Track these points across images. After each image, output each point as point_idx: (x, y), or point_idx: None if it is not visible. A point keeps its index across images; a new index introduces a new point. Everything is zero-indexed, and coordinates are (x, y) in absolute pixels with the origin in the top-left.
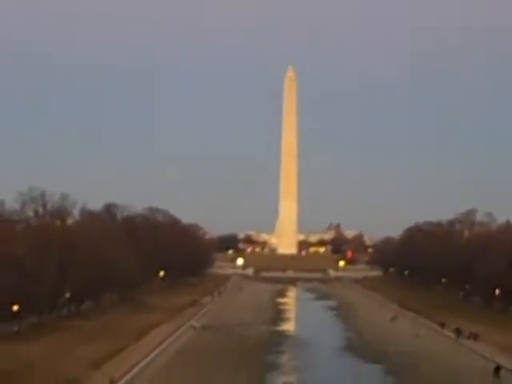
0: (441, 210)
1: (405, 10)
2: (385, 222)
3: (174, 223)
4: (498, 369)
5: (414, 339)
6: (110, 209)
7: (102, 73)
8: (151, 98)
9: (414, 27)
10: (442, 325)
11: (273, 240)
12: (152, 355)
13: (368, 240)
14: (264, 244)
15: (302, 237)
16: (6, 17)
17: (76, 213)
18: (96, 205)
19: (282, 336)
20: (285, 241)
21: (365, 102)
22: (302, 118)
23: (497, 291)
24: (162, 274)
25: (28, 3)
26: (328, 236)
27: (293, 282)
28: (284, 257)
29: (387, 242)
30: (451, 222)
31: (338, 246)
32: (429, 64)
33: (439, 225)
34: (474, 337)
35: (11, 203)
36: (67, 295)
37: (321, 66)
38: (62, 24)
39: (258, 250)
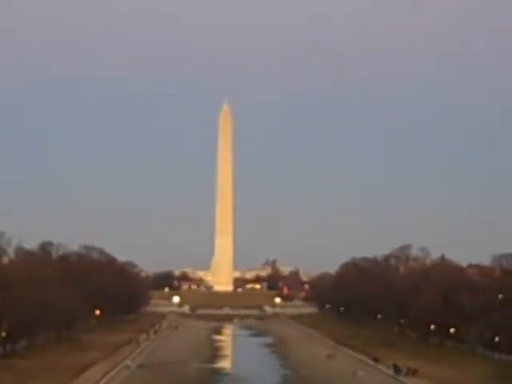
0: (376, 246)
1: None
2: (321, 258)
3: (110, 261)
4: None
5: (352, 376)
6: (45, 247)
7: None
8: (80, 134)
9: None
10: (376, 360)
11: (209, 277)
12: None
13: (304, 276)
14: (200, 281)
15: (238, 273)
16: None
17: (11, 251)
18: (31, 243)
19: (219, 374)
20: (221, 278)
21: (297, 138)
22: (238, 154)
23: (432, 326)
24: (97, 312)
25: None
26: (264, 272)
27: (229, 319)
28: (220, 294)
29: (323, 278)
30: (387, 258)
31: (275, 282)
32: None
33: (375, 260)
34: (413, 372)
35: None
36: (2, 334)
37: (256, 103)
38: None
39: (194, 287)
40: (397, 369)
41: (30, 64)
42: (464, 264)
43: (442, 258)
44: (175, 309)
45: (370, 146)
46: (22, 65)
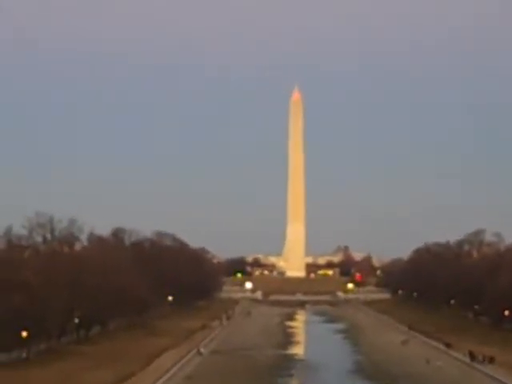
0: (449, 231)
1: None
2: (393, 244)
3: (182, 247)
4: None
5: (426, 362)
6: (117, 234)
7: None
8: (156, 120)
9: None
10: (449, 346)
11: (281, 263)
12: (161, 381)
13: (376, 262)
14: (272, 267)
15: (310, 259)
16: None
17: (84, 238)
18: (104, 229)
19: (292, 359)
20: (293, 264)
21: (369, 123)
22: (310, 140)
23: (506, 312)
24: (170, 298)
25: None
26: (336, 258)
27: (302, 304)
28: (292, 280)
29: (395, 263)
30: (460, 243)
31: (347, 268)
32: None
33: (447, 246)
34: (490, 360)
35: (19, 229)
36: (76, 320)
37: (327, 87)
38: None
39: (266, 273)
40: (472, 356)
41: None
42: None
43: None
44: (248, 295)
45: (434, 127)
46: None
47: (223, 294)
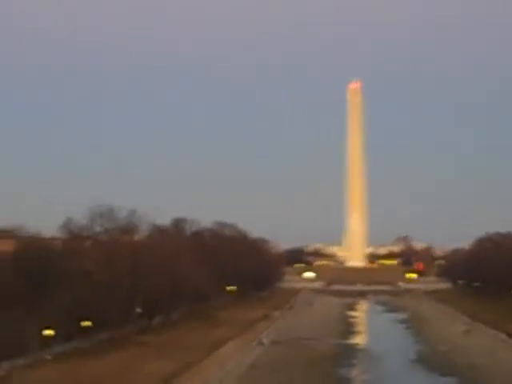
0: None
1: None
2: (454, 233)
3: (242, 237)
4: None
5: (488, 352)
6: (178, 224)
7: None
8: (214, 116)
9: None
10: (510, 335)
11: (341, 253)
12: (223, 370)
13: (437, 251)
14: (332, 257)
15: (370, 249)
16: None
17: (144, 228)
18: (164, 220)
19: (353, 349)
20: (353, 254)
21: (434, 110)
22: (368, 130)
23: None
24: (231, 288)
25: None
26: (397, 248)
27: (363, 294)
28: (353, 270)
29: (456, 253)
30: None
31: (407, 258)
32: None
33: (508, 235)
34: None
35: (80, 219)
36: (138, 310)
37: (386, 77)
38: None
39: (326, 263)
40: None
41: None
42: None
43: None
44: (308, 284)
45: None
46: None
47: (284, 284)
